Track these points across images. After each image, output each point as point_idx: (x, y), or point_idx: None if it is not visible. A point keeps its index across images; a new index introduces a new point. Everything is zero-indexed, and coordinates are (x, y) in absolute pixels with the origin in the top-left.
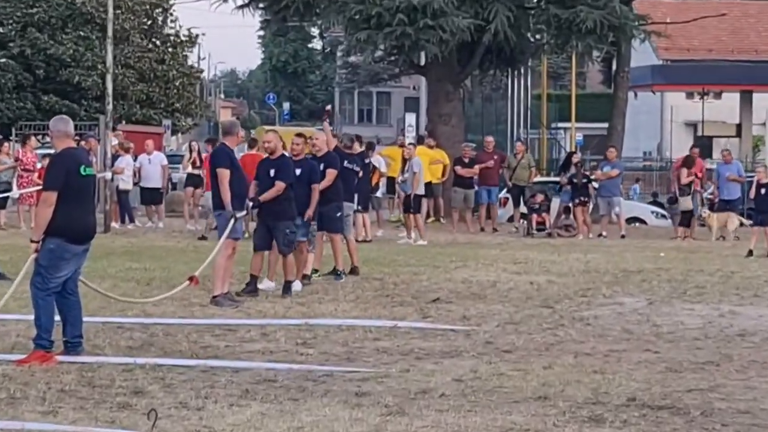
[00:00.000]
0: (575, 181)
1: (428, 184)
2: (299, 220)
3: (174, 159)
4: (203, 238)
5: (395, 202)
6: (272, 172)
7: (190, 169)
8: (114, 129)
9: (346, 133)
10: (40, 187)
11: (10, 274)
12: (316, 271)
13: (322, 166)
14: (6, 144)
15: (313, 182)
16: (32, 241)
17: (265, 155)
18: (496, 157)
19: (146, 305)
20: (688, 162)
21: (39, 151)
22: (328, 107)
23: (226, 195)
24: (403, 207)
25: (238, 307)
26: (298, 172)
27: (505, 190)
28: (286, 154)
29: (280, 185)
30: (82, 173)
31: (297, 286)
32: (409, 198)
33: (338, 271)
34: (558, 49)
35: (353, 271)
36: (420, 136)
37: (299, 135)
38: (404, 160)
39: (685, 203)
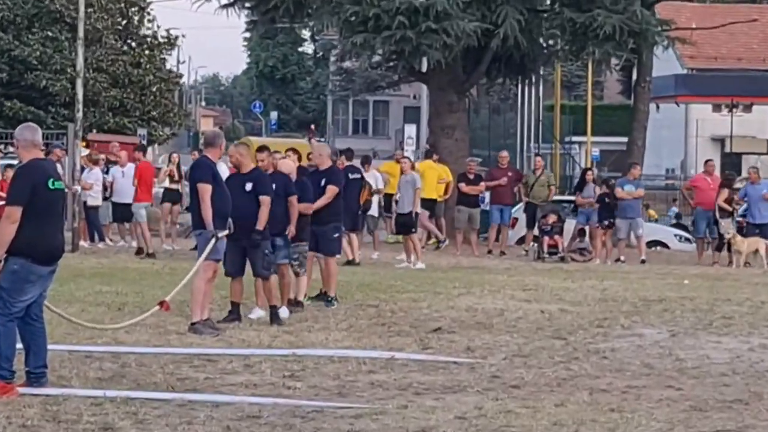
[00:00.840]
0: (608, 200)
1: (433, 202)
2: (280, 240)
3: None
4: (140, 252)
5: (392, 223)
6: (248, 186)
7: (167, 183)
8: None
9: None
10: (2, 202)
11: None
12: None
13: (323, 181)
14: None
15: (289, 195)
16: None
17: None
18: (510, 174)
19: (117, 332)
20: (727, 182)
21: (1, 162)
22: (311, 127)
23: (207, 212)
24: (396, 227)
25: (219, 336)
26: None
27: (520, 205)
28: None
29: (265, 200)
30: (51, 187)
31: (284, 312)
32: (405, 217)
33: (329, 297)
34: (573, 56)
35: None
36: (429, 150)
37: (261, 149)
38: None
39: (726, 226)
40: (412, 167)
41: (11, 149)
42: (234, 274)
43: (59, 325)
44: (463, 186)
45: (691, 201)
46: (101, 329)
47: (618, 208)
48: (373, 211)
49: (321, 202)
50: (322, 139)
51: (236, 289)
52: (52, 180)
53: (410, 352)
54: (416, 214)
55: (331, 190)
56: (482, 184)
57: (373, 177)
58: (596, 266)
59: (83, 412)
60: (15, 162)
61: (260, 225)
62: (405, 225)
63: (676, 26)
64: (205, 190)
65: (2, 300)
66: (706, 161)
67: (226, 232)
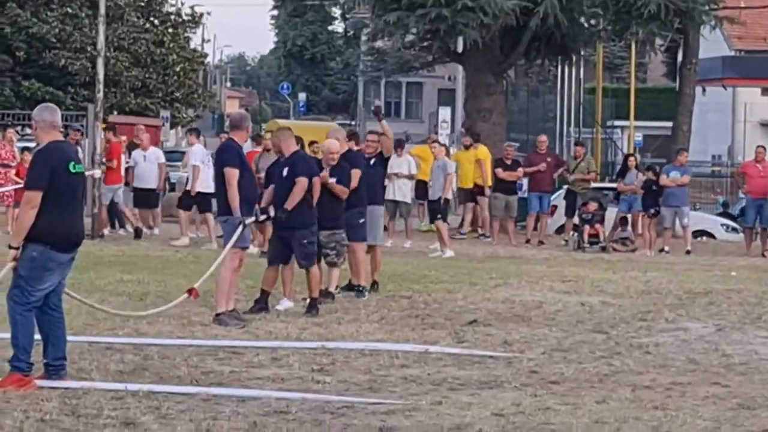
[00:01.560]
0: (655, 188)
1: (470, 190)
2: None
3: (173, 156)
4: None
5: (425, 210)
6: (285, 172)
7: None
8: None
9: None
10: (20, 186)
11: None
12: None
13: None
14: None
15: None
16: (10, 247)
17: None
18: (549, 159)
19: (139, 323)
20: None
21: (18, 144)
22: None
23: (234, 198)
24: (430, 214)
25: (245, 327)
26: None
27: (560, 192)
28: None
29: (301, 181)
30: (71, 170)
31: (286, 303)
32: (434, 204)
33: (360, 287)
34: (615, 37)
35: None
36: (474, 134)
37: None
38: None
39: None
40: (447, 153)
41: (29, 131)
42: (276, 262)
43: (78, 315)
44: (499, 171)
45: (742, 188)
46: (126, 316)
47: (663, 195)
48: (406, 197)
49: (346, 188)
50: (352, 123)
51: (270, 277)
52: (72, 163)
53: (445, 346)
54: (446, 200)
55: (355, 174)
56: (520, 170)
57: (406, 162)
58: (639, 257)
59: (104, 406)
60: (33, 144)
61: (289, 204)
62: (434, 212)
63: (724, 5)
64: (232, 174)
65: (20, 288)
66: (757, 147)
67: (253, 219)
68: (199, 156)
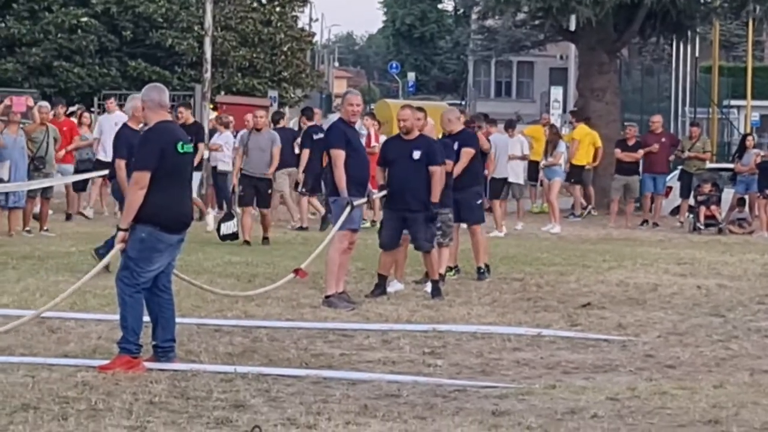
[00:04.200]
0: None
1: (580, 169)
2: None
3: None
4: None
5: (537, 191)
6: (416, 155)
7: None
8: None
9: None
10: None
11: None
12: (452, 268)
13: (456, 145)
14: (86, 115)
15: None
16: (119, 229)
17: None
18: (663, 139)
19: (248, 305)
20: None
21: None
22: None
23: (341, 179)
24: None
25: (355, 310)
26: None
27: (675, 173)
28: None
29: (437, 170)
30: (180, 150)
31: (395, 286)
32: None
33: (481, 268)
34: (732, 14)
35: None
36: (587, 117)
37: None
38: (548, 142)
39: None
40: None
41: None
42: (390, 246)
43: (187, 297)
44: (618, 152)
45: None
46: (234, 296)
47: None
48: (519, 178)
49: (459, 167)
50: (462, 103)
51: (386, 261)
52: (181, 143)
53: (558, 329)
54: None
55: (467, 153)
56: (640, 151)
57: (518, 142)
58: (757, 239)
59: (213, 388)
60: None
61: (435, 197)
62: (494, 190)
63: None
64: (337, 155)
65: (129, 270)
66: None
67: (364, 200)
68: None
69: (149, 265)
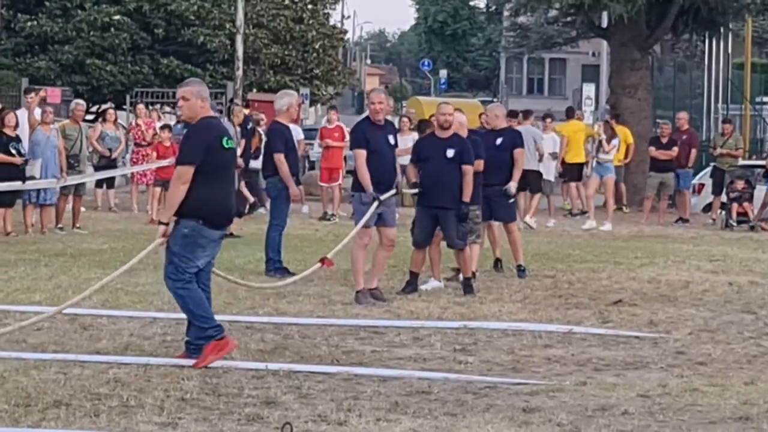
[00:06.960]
0: None
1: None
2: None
3: (312, 134)
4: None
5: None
6: (450, 153)
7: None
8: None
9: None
10: (159, 164)
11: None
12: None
13: (499, 141)
14: (111, 111)
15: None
16: (159, 223)
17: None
18: (685, 137)
19: (279, 302)
20: None
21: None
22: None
23: (363, 177)
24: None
25: (387, 307)
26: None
27: (706, 170)
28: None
29: (469, 170)
30: (225, 146)
31: (432, 284)
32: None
33: (522, 267)
34: (765, 10)
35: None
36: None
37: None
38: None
39: None
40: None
41: (167, 109)
42: (422, 243)
43: (219, 294)
44: (651, 150)
45: None
46: (260, 288)
47: None
48: (550, 175)
49: (516, 173)
50: (494, 100)
51: (418, 259)
52: (225, 139)
53: (589, 326)
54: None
55: (520, 153)
56: (675, 149)
57: (551, 140)
58: None
59: (244, 385)
60: (172, 123)
61: (467, 197)
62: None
63: None
64: (357, 155)
65: (174, 265)
66: None
67: (393, 192)
68: None
69: (192, 260)
